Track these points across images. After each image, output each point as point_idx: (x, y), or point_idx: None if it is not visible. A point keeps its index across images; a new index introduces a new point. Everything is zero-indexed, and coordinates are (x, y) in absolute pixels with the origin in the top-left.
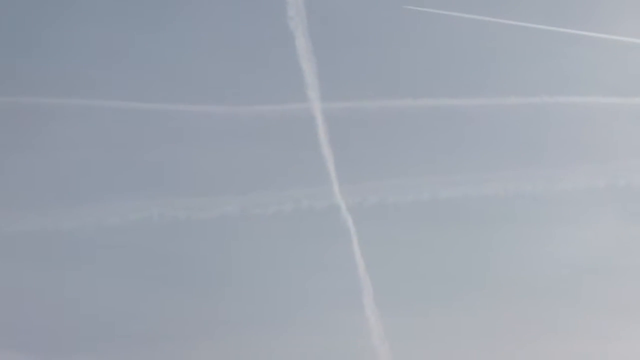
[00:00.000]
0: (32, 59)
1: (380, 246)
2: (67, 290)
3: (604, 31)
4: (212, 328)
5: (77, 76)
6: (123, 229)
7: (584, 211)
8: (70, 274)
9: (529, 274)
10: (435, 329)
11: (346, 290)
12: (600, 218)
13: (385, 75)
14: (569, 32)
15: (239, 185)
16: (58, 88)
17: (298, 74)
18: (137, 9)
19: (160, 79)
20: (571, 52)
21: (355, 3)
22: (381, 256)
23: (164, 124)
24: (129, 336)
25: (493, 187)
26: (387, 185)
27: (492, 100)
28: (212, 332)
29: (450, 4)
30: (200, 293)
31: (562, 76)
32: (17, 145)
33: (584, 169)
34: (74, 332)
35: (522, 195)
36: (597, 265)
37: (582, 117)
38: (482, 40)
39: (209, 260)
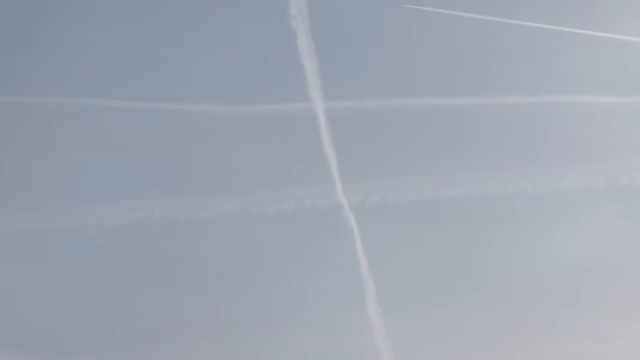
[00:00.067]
0: (32, 59)
1: (383, 245)
2: (68, 289)
3: (604, 30)
4: (213, 327)
5: (78, 76)
6: (124, 228)
7: (584, 210)
8: (71, 273)
9: (529, 273)
10: (436, 327)
11: (348, 289)
12: (601, 217)
13: (387, 74)
14: (569, 31)
15: (241, 184)
16: (58, 88)
17: (300, 73)
18: (137, 9)
19: (161, 78)
20: (571, 51)
21: (357, 2)
22: (383, 255)
23: (165, 124)
24: (129, 336)
25: (494, 186)
26: (389, 184)
27: (492, 100)
28: (213, 331)
29: (450, 3)
30: (201, 292)
31: (562, 75)
32: (17, 145)
33: (584, 168)
34: (74, 332)
35: (523, 194)
36: (597, 264)
37: (582, 116)
38: (482, 40)
39: (210, 259)
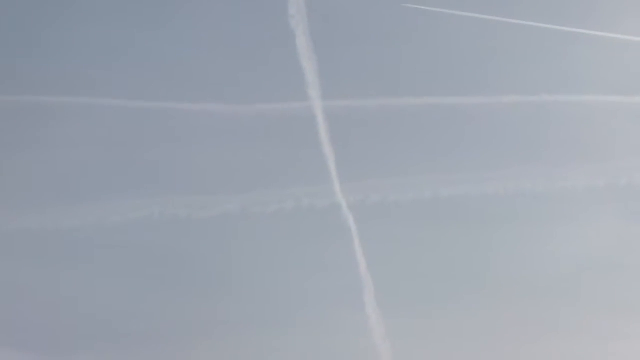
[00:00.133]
0: (32, 58)
1: (382, 245)
2: (67, 288)
3: (604, 29)
4: (212, 327)
5: (78, 75)
6: (123, 227)
7: (584, 210)
8: (71, 272)
9: (529, 272)
10: (436, 327)
11: (347, 289)
12: (601, 217)
13: (386, 74)
14: (569, 31)
15: (240, 183)
16: (58, 87)
17: (299, 72)
18: (136, 8)
19: (160, 77)
20: (571, 50)
21: (356, 2)
22: (382, 255)
23: (165, 123)
24: (129, 335)
25: (493, 186)
26: (388, 183)
27: (492, 99)
28: (212, 331)
29: (450, 2)
30: (201, 292)
31: (562, 75)
32: (17, 144)
33: (584, 167)
34: (73, 331)
35: (523, 193)
36: (597, 264)
37: (582, 116)
38: (482, 39)
39: (210, 259)
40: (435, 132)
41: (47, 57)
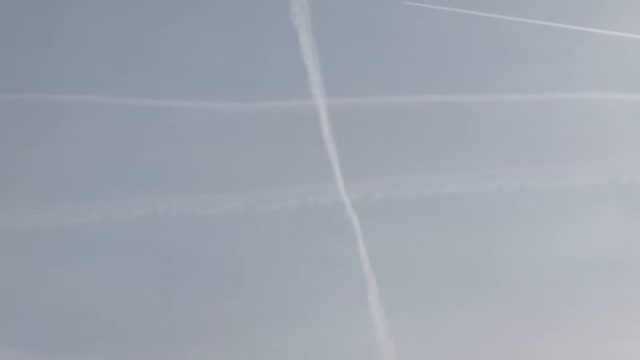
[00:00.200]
0: (37, 57)
1: (385, 243)
2: (71, 287)
3: (607, 27)
4: (216, 325)
5: (82, 73)
6: (127, 225)
7: (587, 207)
8: (74, 270)
9: (532, 271)
10: (439, 326)
11: (351, 287)
12: (603, 214)
13: (389, 72)
14: (571, 29)
15: (243, 181)
16: (62, 85)
17: (302, 70)
18: (139, 6)
19: (163, 75)
20: (573, 48)
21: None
22: (386, 253)
23: (168, 121)
24: (133, 333)
25: (496, 184)
26: (391, 181)
27: (494, 97)
28: (215, 328)
29: (452, 0)
30: (205, 290)
31: (565, 72)
32: (22, 142)
33: (586, 165)
34: (77, 330)
35: (525, 191)
36: (600, 262)
37: (585, 114)
38: (484, 37)
39: (213, 257)
40: (438, 130)
41: (51, 55)
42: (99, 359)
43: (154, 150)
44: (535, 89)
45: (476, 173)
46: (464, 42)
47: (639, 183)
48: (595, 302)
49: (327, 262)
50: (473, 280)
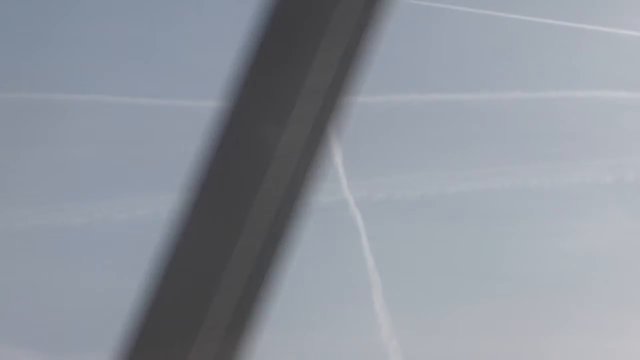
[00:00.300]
0: (40, 55)
1: (389, 241)
2: (73, 286)
3: (611, 25)
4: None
5: (87, 71)
6: (130, 225)
7: (592, 206)
8: (77, 270)
9: (537, 269)
10: (444, 324)
11: (355, 286)
12: (609, 213)
13: (391, 70)
14: (575, 27)
15: None
16: (66, 84)
17: None
18: (142, 5)
19: (167, 74)
20: (578, 45)
21: None
22: (390, 251)
23: (171, 120)
24: None
25: (500, 182)
26: (395, 180)
27: (498, 95)
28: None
29: None
30: None
31: (569, 70)
32: (25, 141)
33: (591, 163)
34: (79, 329)
35: (529, 189)
36: (606, 260)
37: (589, 111)
38: (487, 35)
39: None
40: (441, 128)
41: (55, 54)
42: (101, 359)
43: (158, 149)
44: (540, 87)
45: (480, 171)
46: (467, 40)
47: None
48: (601, 300)
49: (330, 260)
50: (477, 278)
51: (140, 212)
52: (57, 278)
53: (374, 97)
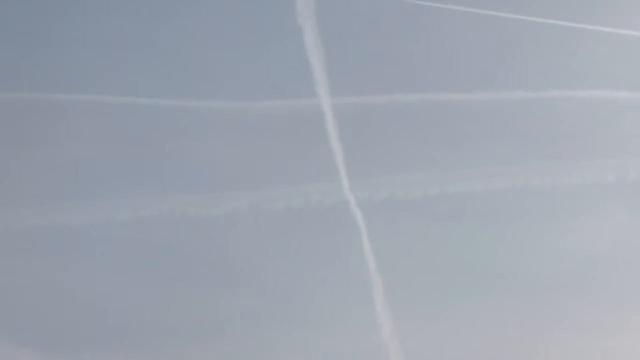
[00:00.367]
0: (41, 56)
1: (390, 241)
2: (76, 286)
3: (613, 25)
4: (221, 324)
5: (87, 72)
6: (132, 224)
7: (593, 205)
8: (78, 269)
9: (538, 268)
10: (445, 324)
11: (356, 286)
12: (610, 212)
13: (394, 70)
14: (577, 27)
15: (248, 180)
16: (67, 84)
17: (307, 69)
18: (143, 4)
19: (168, 74)
20: (579, 46)
21: None
22: (391, 251)
23: (173, 120)
24: (138, 332)
25: (501, 182)
26: (396, 180)
27: (500, 95)
28: (220, 327)
29: None
30: (210, 289)
31: (571, 70)
32: (27, 141)
33: (593, 163)
34: (81, 329)
35: (531, 189)
36: (607, 259)
37: (590, 111)
38: (490, 35)
39: (218, 256)
40: (443, 129)
41: (56, 54)
42: (103, 358)
43: (160, 149)
44: (542, 87)
45: (481, 171)
46: (470, 41)
47: None
48: (601, 299)
49: (332, 260)
50: (478, 278)
51: (141, 212)
52: (57, 278)
53: (375, 97)
